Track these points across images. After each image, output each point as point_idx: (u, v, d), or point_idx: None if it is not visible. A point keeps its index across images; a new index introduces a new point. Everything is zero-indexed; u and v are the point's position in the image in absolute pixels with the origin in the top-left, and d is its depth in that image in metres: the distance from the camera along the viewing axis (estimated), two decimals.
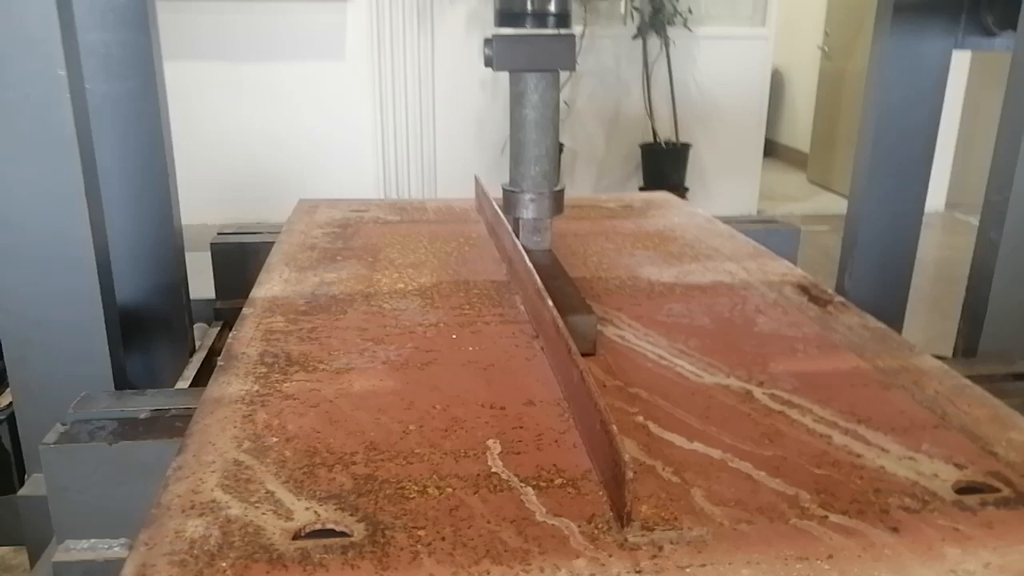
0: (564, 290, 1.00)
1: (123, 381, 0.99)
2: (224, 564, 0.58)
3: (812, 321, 1.06)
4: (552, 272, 1.07)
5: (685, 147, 4.93)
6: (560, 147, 4.83)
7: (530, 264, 1.02)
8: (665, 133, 4.90)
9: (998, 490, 0.69)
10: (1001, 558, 0.61)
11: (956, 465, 0.73)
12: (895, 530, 0.63)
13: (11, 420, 1.05)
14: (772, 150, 6.95)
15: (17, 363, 0.96)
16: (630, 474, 0.60)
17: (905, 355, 0.96)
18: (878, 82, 1.36)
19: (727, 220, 1.62)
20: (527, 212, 1.11)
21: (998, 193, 1.08)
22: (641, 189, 4.94)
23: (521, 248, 1.10)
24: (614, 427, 0.64)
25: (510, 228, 1.18)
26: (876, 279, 1.45)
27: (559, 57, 1.05)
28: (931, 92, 1.35)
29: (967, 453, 0.75)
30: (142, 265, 1.25)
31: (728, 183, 5.16)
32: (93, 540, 0.80)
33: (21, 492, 0.98)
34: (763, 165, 5.58)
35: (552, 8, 1.02)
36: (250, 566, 0.58)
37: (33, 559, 0.98)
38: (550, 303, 0.89)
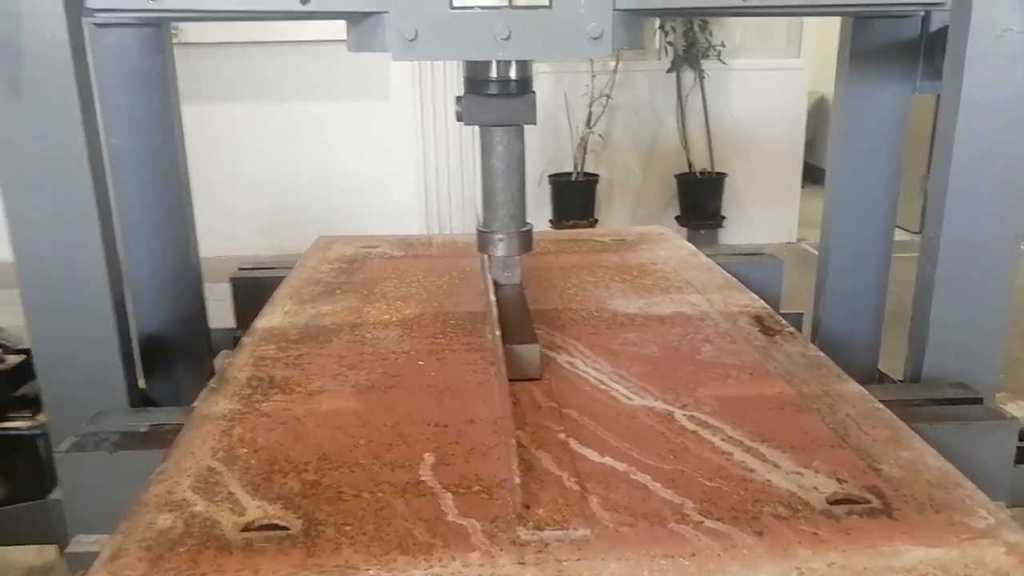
0: (519, 322, 1.11)
1: (137, 400, 1.14)
2: (182, 549, 0.70)
3: (755, 350, 1.14)
4: (515, 305, 1.18)
5: (721, 176, 4.98)
6: (595, 178, 4.94)
7: (492, 297, 1.14)
8: (701, 164, 4.97)
9: (868, 502, 0.77)
10: (846, 559, 0.69)
11: (838, 480, 0.81)
12: (759, 534, 0.72)
13: (46, 435, 1.21)
14: (819, 177, 6.92)
15: (48, 383, 1.12)
16: (517, 480, 0.71)
17: (831, 382, 1.04)
18: (841, 125, 1.44)
19: (715, 253, 1.70)
20: (497, 250, 1.23)
21: (932, 231, 1.16)
22: (677, 219, 5.01)
23: (490, 283, 1.22)
24: (514, 441, 0.75)
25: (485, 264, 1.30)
26: (847, 311, 1.51)
27: (521, 113, 1.17)
28: (893, 134, 1.42)
29: (852, 469, 0.83)
30: (164, 298, 1.41)
31: (766, 211, 5.19)
32: (100, 535, 0.93)
33: (52, 496, 1.13)
34: (810, 192, 5.58)
35: (513, 75, 1.14)
36: (203, 551, 0.70)
37: (63, 555, 1.13)
38: (497, 333, 1.01)
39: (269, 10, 0.94)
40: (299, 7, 0.91)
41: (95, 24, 1.04)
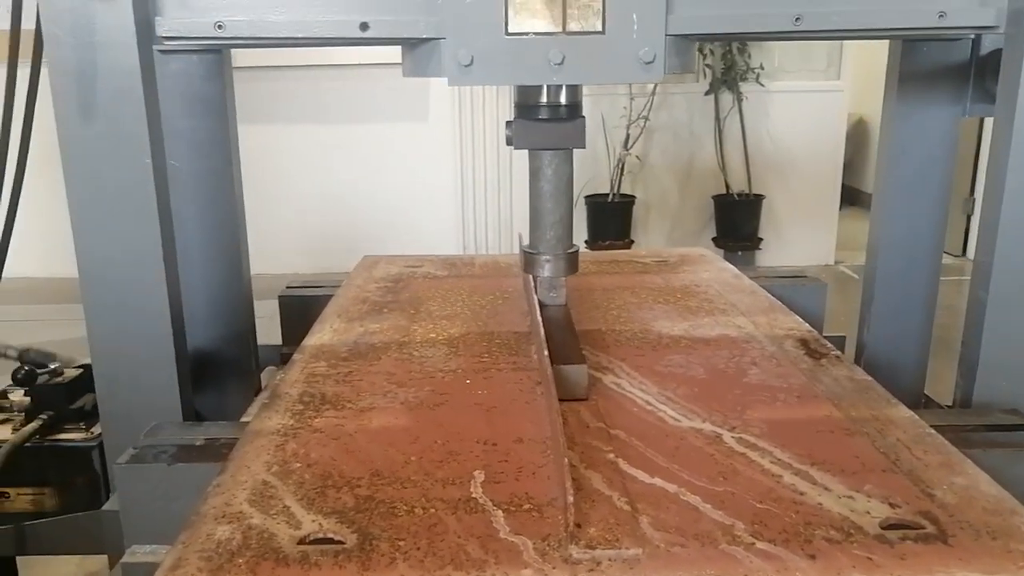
0: (566, 342, 1.12)
1: (190, 415, 1.16)
2: (241, 561, 0.72)
3: (801, 373, 1.14)
4: (560, 325, 1.19)
5: (758, 198, 4.96)
6: (632, 199, 4.95)
7: (539, 318, 1.15)
8: (738, 185, 4.96)
9: (922, 527, 0.76)
10: None
11: (891, 504, 0.80)
12: (812, 557, 0.72)
13: (101, 446, 1.25)
14: (857, 199, 6.86)
15: (105, 397, 1.15)
16: (570, 498, 0.72)
17: (880, 406, 1.03)
18: (889, 147, 1.44)
19: (757, 275, 1.70)
20: (544, 271, 1.24)
21: (984, 255, 1.14)
22: (714, 240, 4.99)
23: (536, 303, 1.23)
24: (566, 460, 0.76)
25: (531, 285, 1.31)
26: (894, 334, 1.50)
27: (570, 137, 1.18)
28: (941, 157, 1.41)
29: (906, 494, 0.82)
30: (216, 316, 1.44)
31: (804, 233, 5.15)
32: (155, 545, 0.96)
33: (105, 507, 1.16)
34: (848, 214, 5.54)
35: (564, 100, 1.16)
36: (261, 563, 0.72)
37: (113, 565, 1.16)
38: (545, 353, 1.02)
39: (330, 36, 0.97)
40: (359, 33, 0.94)
41: (159, 51, 1.08)
